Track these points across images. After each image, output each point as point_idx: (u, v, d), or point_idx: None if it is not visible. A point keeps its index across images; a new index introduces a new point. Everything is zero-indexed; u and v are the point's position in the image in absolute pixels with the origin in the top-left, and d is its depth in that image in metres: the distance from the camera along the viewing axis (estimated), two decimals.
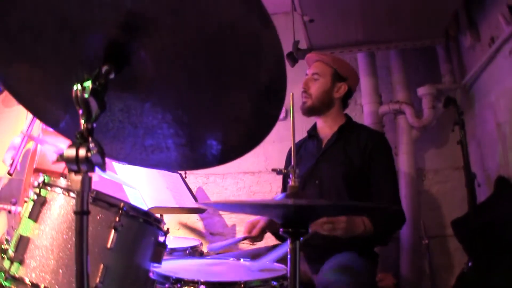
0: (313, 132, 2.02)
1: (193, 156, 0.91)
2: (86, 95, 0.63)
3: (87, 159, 0.60)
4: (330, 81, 1.93)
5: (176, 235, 3.16)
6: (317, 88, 1.91)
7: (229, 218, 3.27)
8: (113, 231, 0.86)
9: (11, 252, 0.83)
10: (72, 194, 0.89)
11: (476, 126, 2.52)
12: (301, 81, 3.07)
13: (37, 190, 0.89)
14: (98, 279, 0.80)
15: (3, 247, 1.03)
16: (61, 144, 2.55)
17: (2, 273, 0.80)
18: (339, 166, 1.80)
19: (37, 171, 2.52)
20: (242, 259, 1.50)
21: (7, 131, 4.63)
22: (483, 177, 2.41)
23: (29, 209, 0.87)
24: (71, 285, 0.77)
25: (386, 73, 2.89)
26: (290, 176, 0.92)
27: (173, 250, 1.81)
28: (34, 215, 0.86)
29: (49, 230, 0.86)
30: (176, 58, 0.69)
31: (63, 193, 0.90)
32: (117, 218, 0.87)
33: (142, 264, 0.97)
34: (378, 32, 2.40)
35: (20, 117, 4.43)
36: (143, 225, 0.96)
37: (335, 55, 2.04)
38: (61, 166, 2.48)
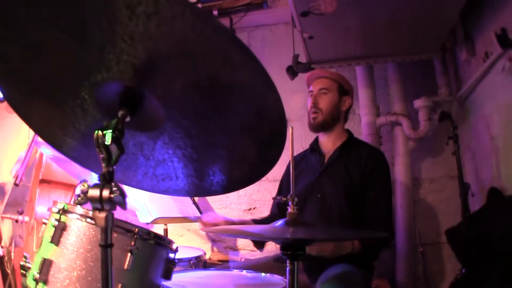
0: (315, 146, 2.08)
1: (200, 185, 1.00)
2: (107, 143, 0.71)
3: (110, 200, 0.69)
4: (337, 95, 1.99)
5: (180, 244, 3.25)
6: (327, 102, 1.96)
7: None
8: (129, 254, 0.95)
9: (36, 274, 0.92)
10: (88, 220, 0.98)
11: (471, 138, 2.60)
12: (299, 90, 3.17)
13: (57, 216, 0.98)
14: None
15: (22, 264, 1.12)
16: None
17: None
18: (340, 182, 1.87)
19: (43, 182, 2.61)
20: (245, 271, 1.58)
21: (9, 136, 4.71)
22: (477, 187, 2.49)
23: (51, 234, 0.96)
24: None
25: (384, 83, 2.95)
26: (289, 203, 1.00)
27: (179, 260, 1.90)
28: (56, 240, 0.95)
29: (69, 253, 0.95)
30: (186, 104, 0.77)
31: (80, 220, 0.99)
32: (133, 242, 0.97)
33: (155, 281, 1.07)
34: (376, 47, 2.47)
35: (22, 124, 4.51)
36: (154, 246, 1.05)
37: (337, 72, 2.10)
38: (66, 177, 2.57)
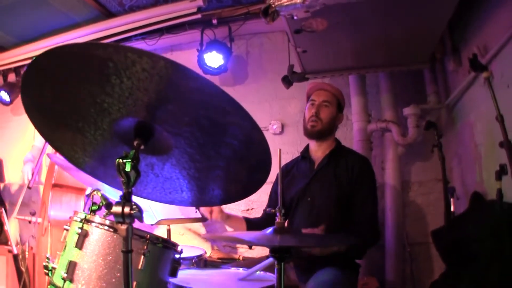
0: (306, 153, 2.23)
1: (201, 198, 1.16)
2: (127, 170, 0.87)
3: (130, 215, 0.85)
4: (336, 111, 2.15)
5: (182, 242, 3.42)
6: (327, 115, 2.10)
7: None
8: (142, 256, 1.13)
9: (63, 273, 1.08)
10: (106, 228, 1.15)
11: (457, 144, 2.75)
12: (295, 96, 3.31)
13: (80, 225, 1.15)
14: None
15: (45, 264, 1.29)
16: None
17: None
18: (329, 187, 2.02)
19: (55, 186, 2.77)
20: (241, 269, 1.75)
21: (14, 137, 4.86)
22: (462, 191, 2.64)
23: (75, 240, 1.14)
24: None
25: (376, 90, 3.10)
26: (277, 214, 1.16)
27: (182, 259, 2.05)
28: (79, 245, 1.12)
29: (91, 255, 1.12)
30: (190, 137, 0.93)
31: (99, 227, 1.15)
32: (145, 246, 1.14)
33: (163, 278, 1.25)
34: (367, 59, 2.61)
35: (28, 125, 4.68)
36: (162, 249, 1.23)
37: (335, 86, 2.24)
38: (77, 181, 2.72)
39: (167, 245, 1.24)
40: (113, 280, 1.09)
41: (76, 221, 1.20)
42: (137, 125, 0.94)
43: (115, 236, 1.13)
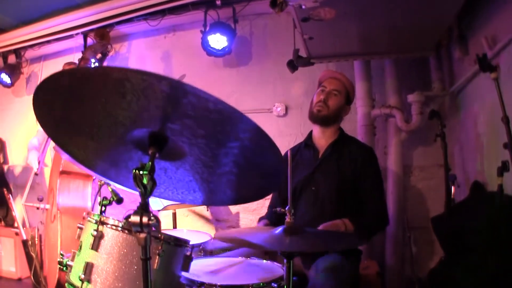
0: (309, 141, 2.25)
1: (213, 198, 1.19)
2: (144, 182, 0.89)
3: (148, 225, 0.88)
4: (344, 101, 2.17)
5: (186, 224, 3.50)
6: (335, 103, 2.13)
7: (233, 206, 3.57)
8: (157, 256, 1.17)
9: (81, 275, 1.13)
10: (119, 228, 1.19)
11: (460, 131, 2.76)
12: (299, 79, 3.29)
13: (95, 227, 1.18)
14: None
15: (60, 260, 1.34)
16: None
17: None
18: (332, 176, 2.06)
19: (63, 173, 2.80)
20: (249, 258, 1.80)
21: (17, 120, 4.88)
22: (463, 178, 2.68)
23: (91, 242, 1.17)
24: None
25: (380, 74, 3.06)
26: (287, 214, 1.19)
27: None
28: (95, 246, 1.16)
29: (107, 256, 1.16)
30: (204, 147, 0.95)
31: (114, 229, 1.19)
32: (160, 247, 1.18)
33: (176, 273, 1.30)
34: (373, 45, 2.59)
35: (30, 107, 4.66)
36: (175, 247, 1.27)
37: (347, 78, 2.25)
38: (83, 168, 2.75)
39: (180, 243, 1.29)
40: (130, 280, 1.13)
41: (90, 222, 1.23)
42: (152, 134, 0.95)
43: (129, 237, 1.17)
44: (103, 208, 1.64)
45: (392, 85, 2.94)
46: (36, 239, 3.27)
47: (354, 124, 3.08)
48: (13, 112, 5.01)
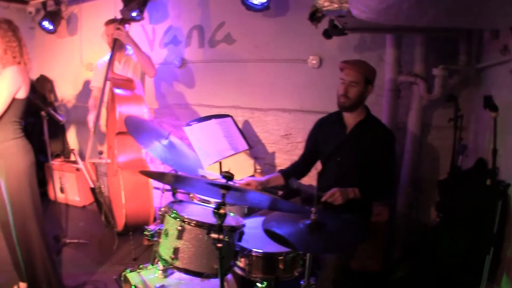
0: (339, 117, 2.61)
1: None
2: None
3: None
4: (363, 86, 2.46)
5: (230, 164, 3.96)
6: (355, 94, 2.45)
7: (270, 146, 4.09)
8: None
9: (172, 255, 1.73)
10: (192, 224, 1.75)
11: (477, 105, 2.95)
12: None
13: (180, 224, 1.74)
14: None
15: (145, 233, 1.96)
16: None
17: (170, 265, 1.73)
18: (355, 152, 2.48)
19: (120, 133, 3.30)
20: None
21: (63, 59, 5.29)
22: (473, 148, 2.97)
23: (176, 234, 1.75)
24: (209, 268, 1.71)
25: (410, 43, 3.18)
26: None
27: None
28: (180, 237, 1.73)
29: (190, 243, 1.74)
30: None
31: (192, 225, 1.75)
32: (226, 236, 1.68)
33: (235, 243, 1.86)
34: (406, 21, 2.68)
35: (74, 47, 5.05)
36: (230, 233, 1.80)
37: (364, 63, 2.48)
38: None
39: (234, 229, 1.83)
40: (206, 258, 1.72)
41: (170, 216, 1.80)
42: None
43: (204, 229, 1.72)
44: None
45: (420, 54, 3.10)
46: (102, 187, 3.92)
47: (382, 86, 3.27)
48: (57, 53, 5.37)
